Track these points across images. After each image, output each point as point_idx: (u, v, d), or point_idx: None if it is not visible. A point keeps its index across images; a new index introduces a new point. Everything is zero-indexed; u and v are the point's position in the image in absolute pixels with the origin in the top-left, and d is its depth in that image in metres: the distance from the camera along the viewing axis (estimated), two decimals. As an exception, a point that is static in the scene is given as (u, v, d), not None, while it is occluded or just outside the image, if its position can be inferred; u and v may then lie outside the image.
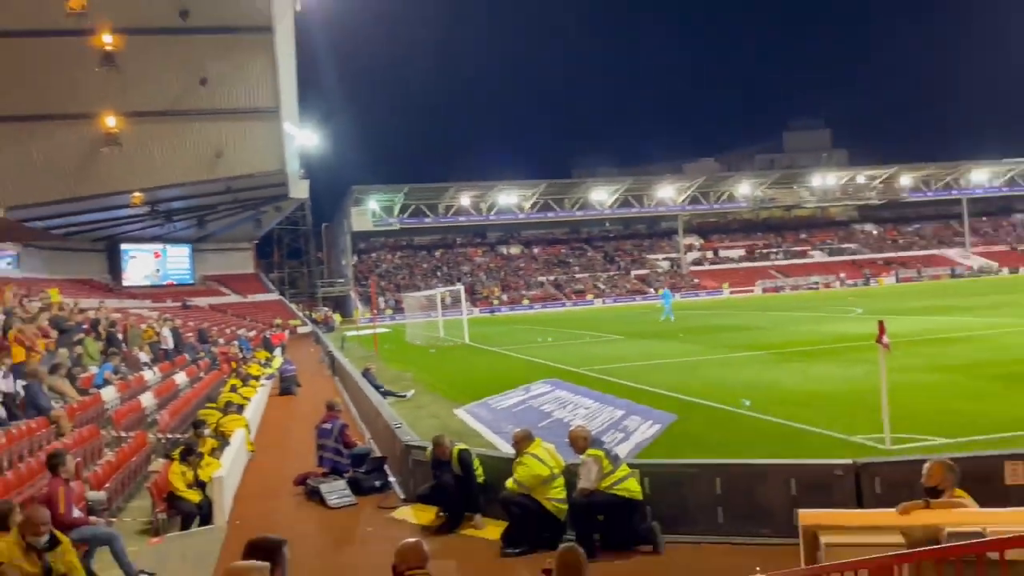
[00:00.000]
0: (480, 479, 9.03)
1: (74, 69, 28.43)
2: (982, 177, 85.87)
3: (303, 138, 42.16)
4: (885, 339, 10.36)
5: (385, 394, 18.43)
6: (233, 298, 62.28)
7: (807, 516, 5.70)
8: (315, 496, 10.38)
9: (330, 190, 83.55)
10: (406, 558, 5.01)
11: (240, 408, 15.38)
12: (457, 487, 8.89)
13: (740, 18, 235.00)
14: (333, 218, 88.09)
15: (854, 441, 11.00)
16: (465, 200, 79.57)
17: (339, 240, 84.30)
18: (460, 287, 44.45)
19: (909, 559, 4.56)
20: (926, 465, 5.84)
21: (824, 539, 5.51)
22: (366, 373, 20.16)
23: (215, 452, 11.25)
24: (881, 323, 10.47)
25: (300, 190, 47.28)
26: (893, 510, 5.49)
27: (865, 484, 7.31)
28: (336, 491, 10.34)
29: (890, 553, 4.57)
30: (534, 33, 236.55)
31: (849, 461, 7.49)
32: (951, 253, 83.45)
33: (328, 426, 11.63)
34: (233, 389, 17.92)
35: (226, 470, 10.25)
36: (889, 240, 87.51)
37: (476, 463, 9.10)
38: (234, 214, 52.96)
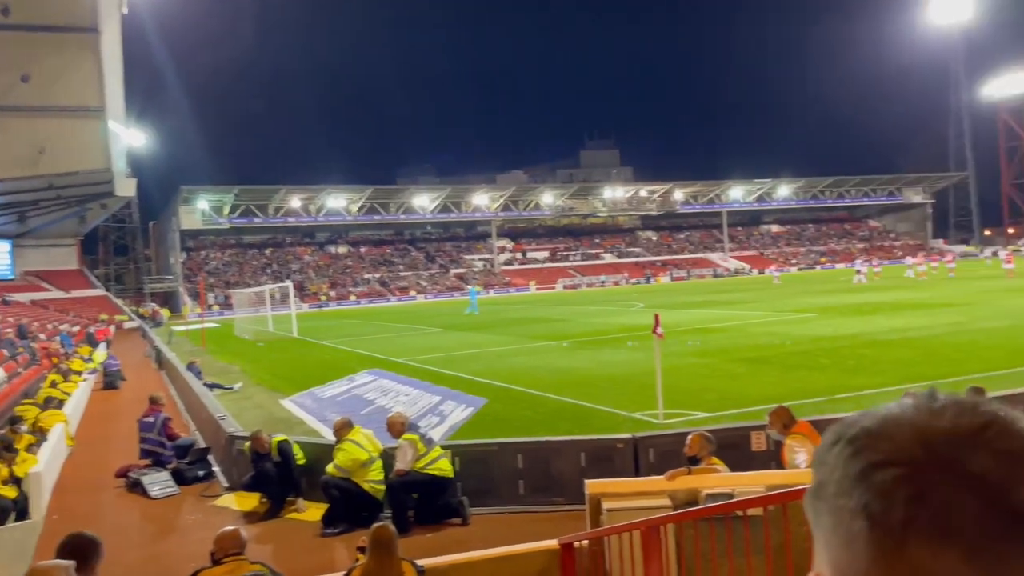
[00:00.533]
0: (301, 462, 8.72)
1: None
2: (738, 194, 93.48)
3: (131, 137, 38.95)
4: (659, 330, 10.97)
5: (212, 387, 17.39)
6: (56, 294, 56.53)
7: (592, 485, 5.91)
8: (137, 488, 9.61)
9: (159, 189, 77.96)
10: (223, 545, 4.73)
11: (60, 403, 13.95)
12: (278, 475, 8.53)
13: (548, 47, 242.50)
14: (161, 216, 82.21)
15: (634, 417, 11.58)
16: (295, 202, 76.71)
17: (167, 238, 78.69)
18: (289, 284, 42.83)
19: (673, 520, 4.85)
20: (688, 437, 6.23)
21: (606, 505, 5.74)
22: (191, 366, 18.92)
23: (32, 448, 10.12)
24: (656, 316, 11.07)
25: (126, 188, 43.47)
26: (662, 477, 5.82)
27: (641, 454, 7.71)
28: (158, 482, 9.62)
29: (658, 515, 4.84)
30: (363, 47, 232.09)
31: (628, 435, 7.87)
32: (713, 257, 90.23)
33: (151, 419, 10.80)
34: (53, 385, 16.26)
35: (43, 465, 9.26)
36: (665, 245, 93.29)
37: (296, 449, 8.77)
38: (57, 210, 47.95)
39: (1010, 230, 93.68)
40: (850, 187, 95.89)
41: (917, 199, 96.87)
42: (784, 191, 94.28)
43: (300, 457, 8.70)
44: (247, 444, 8.85)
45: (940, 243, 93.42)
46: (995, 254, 64.55)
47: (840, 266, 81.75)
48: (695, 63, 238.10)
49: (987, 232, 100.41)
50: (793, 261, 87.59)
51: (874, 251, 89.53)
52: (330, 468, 8.02)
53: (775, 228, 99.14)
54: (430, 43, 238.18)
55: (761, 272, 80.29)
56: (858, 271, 47.28)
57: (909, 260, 53.02)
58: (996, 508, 0.48)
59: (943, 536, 0.49)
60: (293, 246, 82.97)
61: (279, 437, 8.78)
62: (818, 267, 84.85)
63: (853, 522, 0.52)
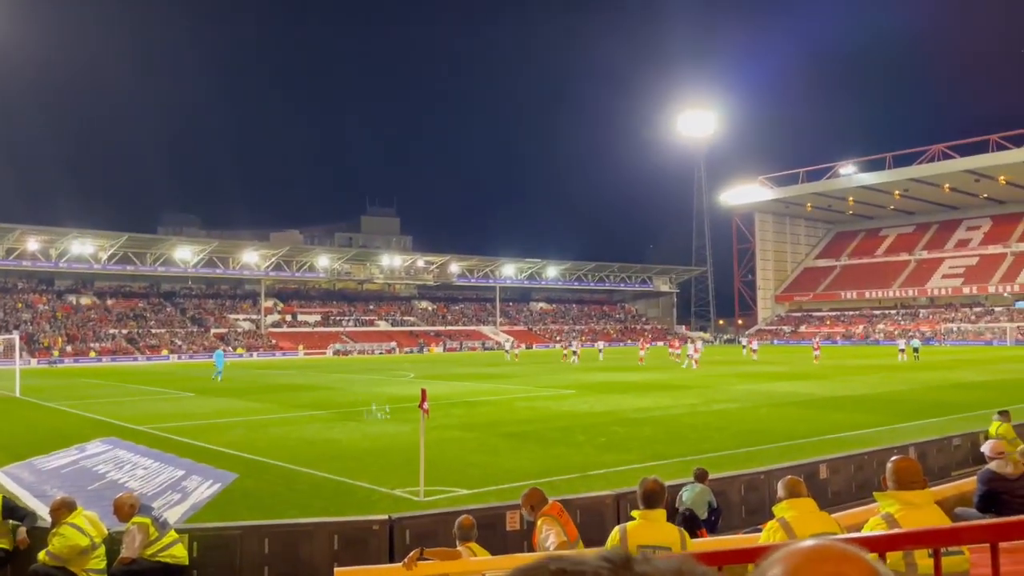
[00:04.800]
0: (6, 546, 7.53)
1: None
2: (510, 271, 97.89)
3: None
4: (425, 405, 11.01)
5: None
6: None
7: (341, 574, 5.69)
8: None
9: None
10: None
11: None
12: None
13: (335, 107, 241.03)
14: None
15: (394, 494, 11.38)
16: (32, 244, 68.28)
17: None
18: (15, 335, 37.66)
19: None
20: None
21: (355, 594, 5.54)
22: None
23: None
24: (423, 391, 11.11)
25: None
26: (400, 564, 5.72)
27: (397, 537, 7.55)
28: None
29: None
30: (121, 80, 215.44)
31: (384, 517, 7.70)
32: (485, 329, 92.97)
33: None
34: None
35: None
36: (440, 315, 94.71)
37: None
38: None
39: (740, 321, 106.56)
40: (609, 272, 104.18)
41: (665, 288, 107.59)
42: (552, 272, 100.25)
43: (7, 544, 7.49)
44: None
45: (683, 329, 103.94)
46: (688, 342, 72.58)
47: (600, 344, 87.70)
48: (477, 143, 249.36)
49: (721, 322, 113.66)
50: (558, 338, 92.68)
51: (628, 332, 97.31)
52: (42, 555, 7.01)
53: (543, 306, 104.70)
54: (199, 84, 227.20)
55: (529, 347, 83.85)
56: (574, 352, 51.73)
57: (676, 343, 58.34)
58: None
59: None
60: (25, 292, 73.46)
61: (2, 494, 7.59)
62: (585, 346, 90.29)
63: None
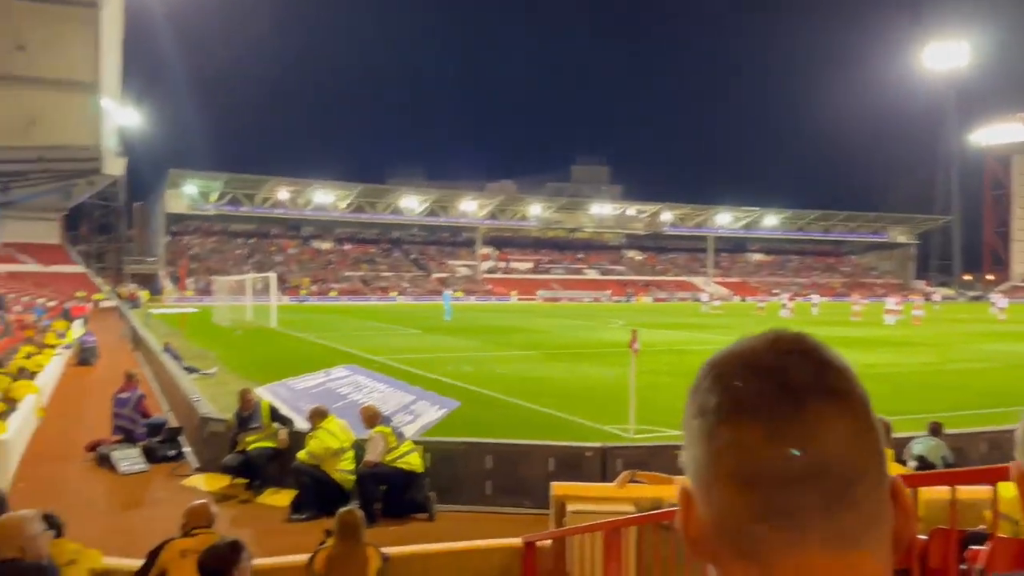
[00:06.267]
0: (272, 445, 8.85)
1: None
2: (725, 220, 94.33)
3: (125, 115, 38.69)
4: (636, 345, 11.15)
5: (188, 370, 17.38)
6: (33, 267, 55.96)
7: (558, 487, 6.06)
8: (106, 462, 9.63)
9: (149, 169, 77.44)
10: (194, 517, 4.83)
11: (32, 375, 13.90)
12: (262, 459, 8.66)
13: (547, 63, 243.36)
14: (148, 197, 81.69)
15: (605, 429, 11.74)
16: (283, 194, 76.49)
17: (153, 220, 78.25)
18: (272, 275, 42.60)
19: (635, 522, 4.99)
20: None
21: (571, 507, 5.87)
22: (167, 348, 18.87)
23: (1, 416, 10.11)
24: (634, 331, 11.25)
25: (115, 167, 43.20)
26: (613, 483, 5.96)
27: (609, 464, 7.86)
28: (128, 458, 9.63)
29: (619, 518, 4.99)
30: (364, 50, 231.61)
31: (598, 444, 8.02)
32: (697, 280, 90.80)
33: (126, 395, 10.82)
34: (28, 356, 16.16)
35: (11, 434, 9.27)
36: (649, 265, 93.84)
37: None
38: (42, 183, 47.52)
39: (989, 276, 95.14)
40: (836, 222, 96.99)
41: (902, 239, 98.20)
42: (771, 221, 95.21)
43: (273, 443, 8.77)
44: (231, 416, 8.97)
45: (922, 284, 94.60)
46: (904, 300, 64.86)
47: (815, 298, 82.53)
48: (691, 87, 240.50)
49: (967, 277, 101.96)
50: (775, 291, 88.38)
51: (856, 287, 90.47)
52: (301, 455, 8.12)
53: (759, 257, 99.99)
54: (430, 49, 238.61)
55: (743, 299, 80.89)
56: (783, 305, 48.48)
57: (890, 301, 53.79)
58: (775, 387, 0.65)
59: (740, 412, 0.65)
60: (278, 238, 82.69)
61: (268, 400, 8.99)
62: (799, 299, 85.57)
63: (691, 422, 0.69)
